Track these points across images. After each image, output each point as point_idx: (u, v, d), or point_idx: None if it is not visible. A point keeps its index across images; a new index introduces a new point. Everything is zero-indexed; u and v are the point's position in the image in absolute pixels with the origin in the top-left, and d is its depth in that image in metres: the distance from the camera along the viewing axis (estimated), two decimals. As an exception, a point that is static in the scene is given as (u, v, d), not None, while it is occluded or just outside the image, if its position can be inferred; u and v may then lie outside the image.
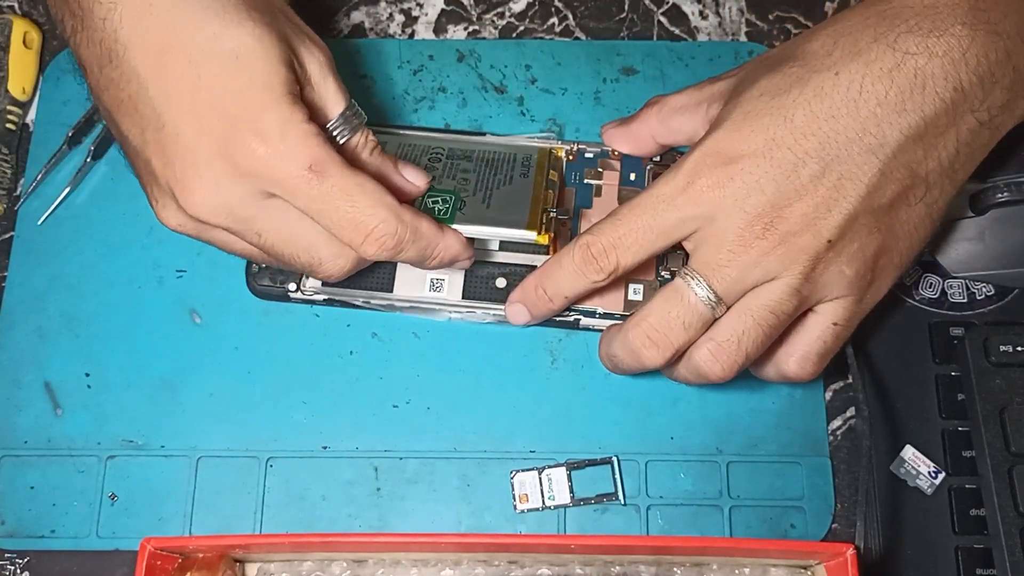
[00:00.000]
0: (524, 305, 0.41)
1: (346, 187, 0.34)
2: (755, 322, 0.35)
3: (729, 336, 0.36)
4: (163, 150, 0.34)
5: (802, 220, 0.35)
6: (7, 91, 0.47)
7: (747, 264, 0.35)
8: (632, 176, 0.46)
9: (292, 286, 0.44)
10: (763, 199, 0.35)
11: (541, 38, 0.50)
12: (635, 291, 0.44)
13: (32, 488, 0.43)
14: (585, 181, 0.46)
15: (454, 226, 0.39)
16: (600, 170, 0.46)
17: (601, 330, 0.44)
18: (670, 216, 0.36)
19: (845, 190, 0.34)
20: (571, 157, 0.46)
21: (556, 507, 0.43)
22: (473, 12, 0.51)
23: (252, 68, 0.33)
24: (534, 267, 0.42)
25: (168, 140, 0.34)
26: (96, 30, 0.34)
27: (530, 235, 0.40)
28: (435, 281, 0.44)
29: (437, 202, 0.41)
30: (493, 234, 0.41)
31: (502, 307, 0.43)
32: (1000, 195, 0.42)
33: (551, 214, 0.42)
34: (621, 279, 0.40)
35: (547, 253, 0.43)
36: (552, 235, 0.41)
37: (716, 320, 0.36)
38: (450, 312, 0.44)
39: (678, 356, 0.37)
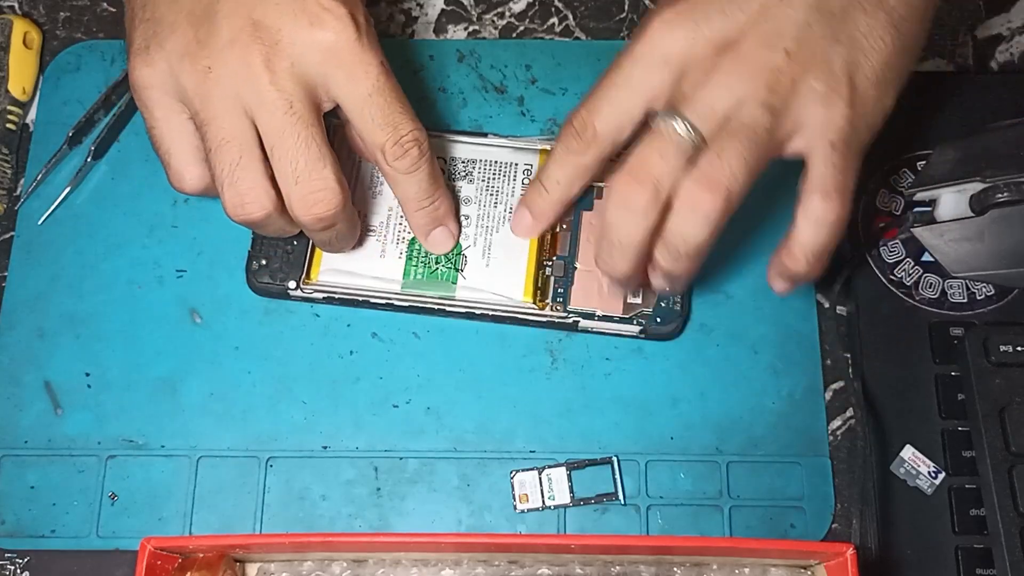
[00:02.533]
0: (525, 207, 0.43)
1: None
2: (733, 139, 0.35)
3: (710, 160, 0.35)
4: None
5: (757, 38, 0.35)
6: (7, 91, 0.48)
7: (713, 91, 0.35)
8: (632, 176, 0.46)
9: (292, 283, 0.44)
10: (716, 27, 0.35)
11: (541, 38, 0.50)
12: (634, 293, 0.44)
13: (32, 488, 0.43)
14: (585, 181, 0.46)
15: (456, 290, 0.43)
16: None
17: (601, 332, 0.44)
18: (633, 70, 0.36)
19: (792, 2, 0.35)
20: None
21: (556, 507, 0.43)
22: (473, 12, 0.51)
23: None
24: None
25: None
26: None
27: (528, 304, 0.43)
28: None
29: (440, 261, 0.43)
30: (491, 299, 0.43)
31: (502, 307, 0.43)
32: (1000, 195, 0.42)
33: (546, 271, 0.44)
34: (614, 163, 0.38)
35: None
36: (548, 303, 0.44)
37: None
38: (448, 307, 0.44)
39: (665, 207, 0.36)
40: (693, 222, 0.35)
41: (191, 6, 0.36)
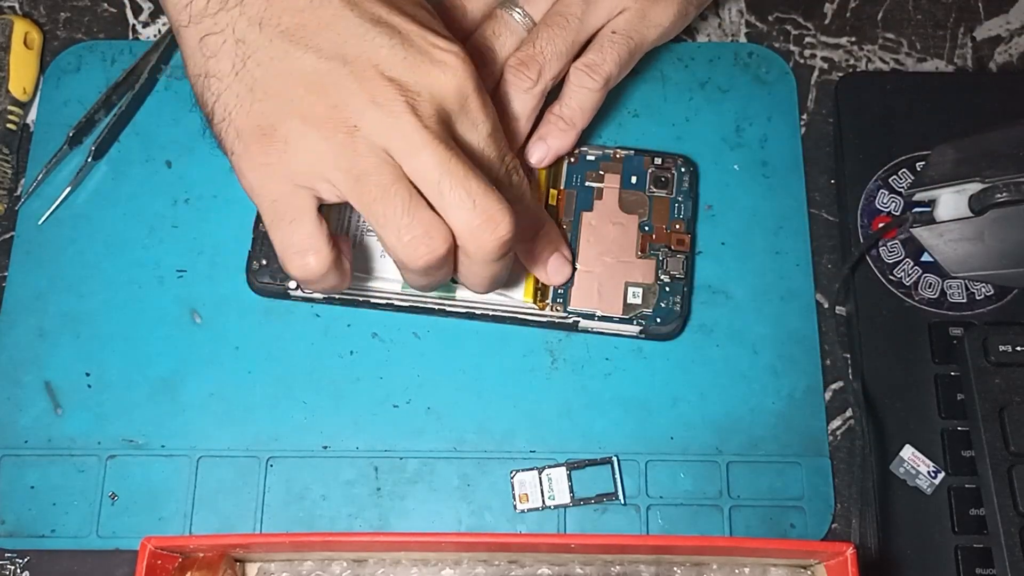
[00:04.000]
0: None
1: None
2: (546, 25, 0.43)
3: (527, 44, 0.43)
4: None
5: None
6: (8, 91, 0.48)
7: None
8: (633, 179, 0.46)
9: (292, 283, 0.44)
10: None
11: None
12: (634, 294, 0.44)
13: (32, 488, 0.43)
14: (586, 184, 0.46)
15: (457, 290, 0.43)
16: (601, 173, 0.46)
17: (601, 332, 0.44)
18: None
19: None
20: (573, 160, 0.46)
21: (556, 507, 0.43)
22: (473, 13, 0.51)
23: None
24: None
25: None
26: None
27: (528, 304, 0.44)
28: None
29: None
30: (491, 299, 0.43)
31: (503, 306, 0.43)
32: (1000, 195, 0.42)
33: None
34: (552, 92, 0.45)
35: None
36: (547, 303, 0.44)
37: None
38: (448, 308, 0.44)
39: (497, 76, 0.43)
40: (512, 96, 0.43)
41: (310, 78, 0.35)
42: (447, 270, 0.37)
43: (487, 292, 0.41)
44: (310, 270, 0.36)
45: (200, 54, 0.36)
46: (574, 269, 0.44)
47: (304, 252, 0.36)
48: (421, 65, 0.35)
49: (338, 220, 0.44)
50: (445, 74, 0.36)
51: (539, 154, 0.45)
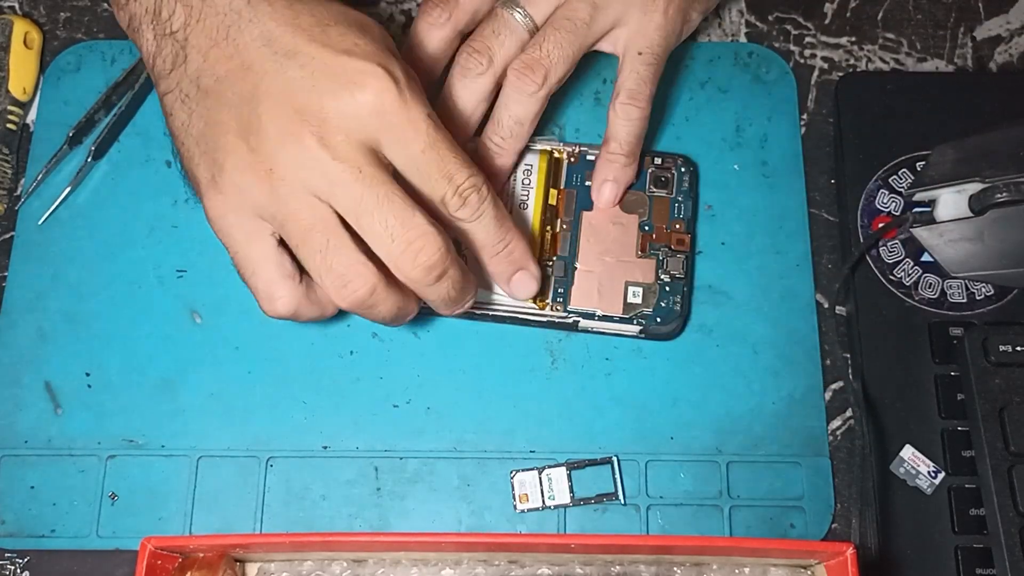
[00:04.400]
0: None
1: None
2: (553, 29, 0.42)
3: (533, 47, 0.42)
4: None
5: None
6: (8, 91, 0.48)
7: None
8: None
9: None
10: None
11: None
12: (634, 293, 0.44)
13: (32, 488, 0.43)
14: (586, 184, 0.46)
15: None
16: (600, 171, 0.46)
17: (601, 332, 0.44)
18: None
19: None
20: (573, 160, 0.46)
21: (556, 507, 0.43)
22: (473, 13, 0.51)
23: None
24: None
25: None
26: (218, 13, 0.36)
27: (528, 304, 0.44)
28: None
29: None
30: (491, 299, 0.44)
31: (503, 306, 0.43)
32: (1000, 195, 0.42)
33: (547, 271, 0.44)
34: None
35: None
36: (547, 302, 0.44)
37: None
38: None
39: (499, 76, 0.42)
40: (516, 99, 0.42)
41: (236, 123, 0.35)
42: (391, 304, 0.37)
43: (452, 313, 0.41)
44: (280, 312, 0.37)
45: (165, 112, 0.37)
46: (573, 269, 0.44)
47: (271, 298, 0.37)
48: (331, 90, 0.34)
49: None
50: (357, 95, 0.34)
51: (609, 194, 0.45)
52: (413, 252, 0.35)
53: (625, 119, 0.43)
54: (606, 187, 0.45)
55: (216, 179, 0.36)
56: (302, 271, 0.37)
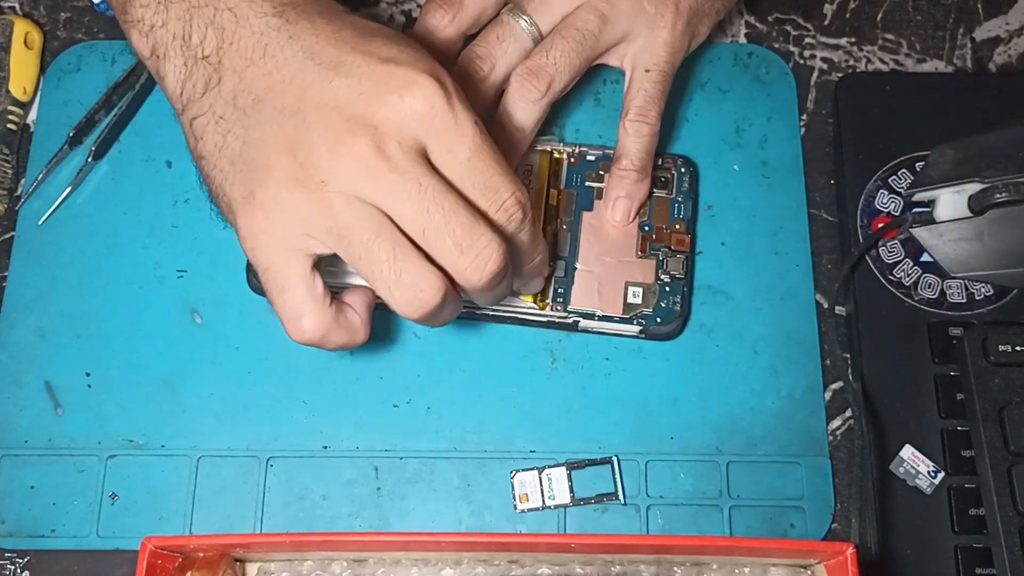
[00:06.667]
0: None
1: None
2: (560, 37, 0.41)
3: (539, 54, 0.41)
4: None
5: None
6: (8, 91, 0.48)
7: None
8: (632, 177, 0.46)
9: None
10: None
11: (541, 39, 0.50)
12: (634, 294, 0.44)
13: (32, 488, 0.43)
14: (586, 184, 0.46)
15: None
16: (601, 173, 0.46)
17: (601, 332, 0.44)
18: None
19: None
20: (573, 160, 0.46)
21: (556, 507, 0.43)
22: (473, 13, 0.51)
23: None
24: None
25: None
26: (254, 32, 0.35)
27: (528, 304, 0.44)
28: None
29: None
30: None
31: (503, 306, 0.43)
32: (999, 195, 0.42)
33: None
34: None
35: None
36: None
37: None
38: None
39: (500, 83, 0.42)
40: (518, 105, 0.42)
41: (279, 139, 0.34)
42: (452, 310, 0.37)
43: (494, 304, 0.41)
44: (306, 335, 0.36)
45: (192, 137, 0.36)
46: (573, 269, 0.44)
47: (298, 318, 0.35)
48: (380, 96, 0.33)
49: None
50: (407, 99, 0.33)
51: (623, 211, 0.45)
52: (482, 262, 0.35)
53: (636, 136, 0.43)
54: (620, 204, 0.44)
55: (256, 195, 0.34)
56: (332, 296, 0.37)
